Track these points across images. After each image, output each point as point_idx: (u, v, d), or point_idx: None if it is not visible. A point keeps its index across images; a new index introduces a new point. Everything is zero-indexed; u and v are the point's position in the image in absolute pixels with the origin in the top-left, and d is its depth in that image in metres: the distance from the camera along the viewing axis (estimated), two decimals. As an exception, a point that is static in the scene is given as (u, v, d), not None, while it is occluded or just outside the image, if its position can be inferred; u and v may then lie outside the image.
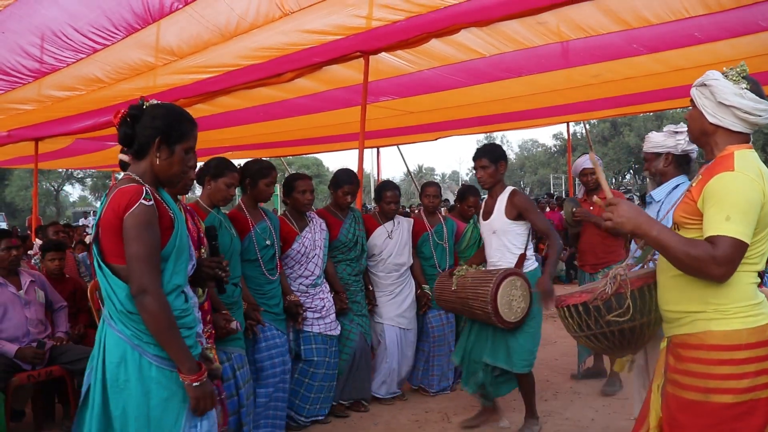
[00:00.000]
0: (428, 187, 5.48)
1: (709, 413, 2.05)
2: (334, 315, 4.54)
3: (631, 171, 44.67)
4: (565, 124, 10.37)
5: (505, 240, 4.11)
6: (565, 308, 2.48)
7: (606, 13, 4.63)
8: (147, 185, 2.25)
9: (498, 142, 65.92)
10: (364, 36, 5.00)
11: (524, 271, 4.08)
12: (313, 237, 4.50)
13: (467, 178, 79.04)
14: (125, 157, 2.38)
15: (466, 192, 5.70)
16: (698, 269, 2.02)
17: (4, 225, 28.32)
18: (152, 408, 2.17)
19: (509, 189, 4.20)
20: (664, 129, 3.38)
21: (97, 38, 4.29)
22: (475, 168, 4.25)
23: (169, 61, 5.07)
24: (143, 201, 2.16)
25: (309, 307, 4.41)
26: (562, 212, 5.61)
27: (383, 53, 5.50)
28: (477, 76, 6.35)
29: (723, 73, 2.17)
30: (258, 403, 3.95)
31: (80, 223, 22.79)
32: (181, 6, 3.81)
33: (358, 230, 4.82)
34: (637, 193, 25.66)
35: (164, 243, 2.24)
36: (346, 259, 4.75)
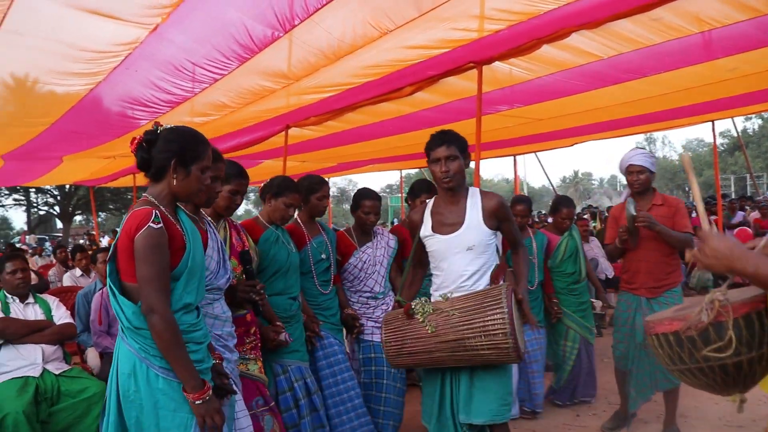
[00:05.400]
0: (517, 205, 5.32)
1: None
2: None
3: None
4: (711, 123, 9.61)
5: (483, 258, 3.17)
6: (654, 337, 2.06)
7: (725, 2, 4.28)
8: (161, 207, 2.39)
9: (659, 142, 62.42)
10: (473, 46, 4.99)
11: None
12: (374, 253, 4.41)
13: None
14: None
15: (559, 203, 5.47)
16: None
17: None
18: (161, 418, 2.29)
19: (475, 190, 3.30)
20: None
21: (214, 69, 4.63)
22: (435, 160, 3.18)
23: (286, 84, 5.34)
24: (152, 224, 2.28)
25: (369, 318, 4.33)
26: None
27: (497, 62, 5.46)
28: (598, 79, 6.09)
29: None
30: (330, 413, 3.91)
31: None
32: (281, 34, 4.01)
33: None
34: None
35: (176, 263, 2.35)
36: (427, 274, 4.57)
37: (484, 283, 3.18)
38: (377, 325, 4.31)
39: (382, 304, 4.42)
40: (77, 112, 5.79)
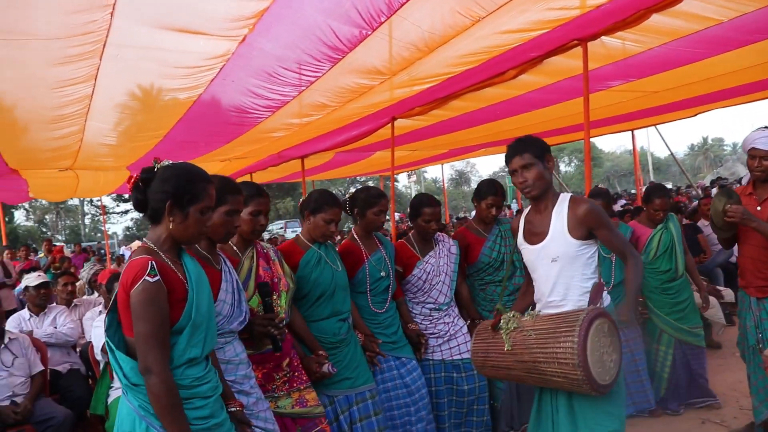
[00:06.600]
0: (594, 200, 4.92)
1: None
2: (463, 336, 4.12)
3: None
4: None
5: (572, 270, 2.89)
6: None
7: None
8: (161, 254, 2.21)
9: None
10: (576, 23, 4.71)
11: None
12: (438, 262, 4.13)
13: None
14: None
15: (651, 192, 4.92)
16: None
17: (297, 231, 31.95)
18: None
19: (566, 196, 3.00)
20: None
21: (308, 72, 4.64)
22: (512, 172, 3.01)
23: (382, 80, 5.27)
24: (147, 278, 2.08)
25: (432, 333, 4.07)
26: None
27: (603, 37, 5.13)
28: (720, 44, 5.57)
29: None
30: None
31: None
32: (370, 32, 3.93)
33: (504, 246, 4.35)
34: None
35: (177, 317, 2.17)
36: (495, 281, 4.30)
37: (574, 298, 2.90)
38: (439, 341, 4.10)
39: (445, 315, 4.15)
40: (186, 123, 6.02)
